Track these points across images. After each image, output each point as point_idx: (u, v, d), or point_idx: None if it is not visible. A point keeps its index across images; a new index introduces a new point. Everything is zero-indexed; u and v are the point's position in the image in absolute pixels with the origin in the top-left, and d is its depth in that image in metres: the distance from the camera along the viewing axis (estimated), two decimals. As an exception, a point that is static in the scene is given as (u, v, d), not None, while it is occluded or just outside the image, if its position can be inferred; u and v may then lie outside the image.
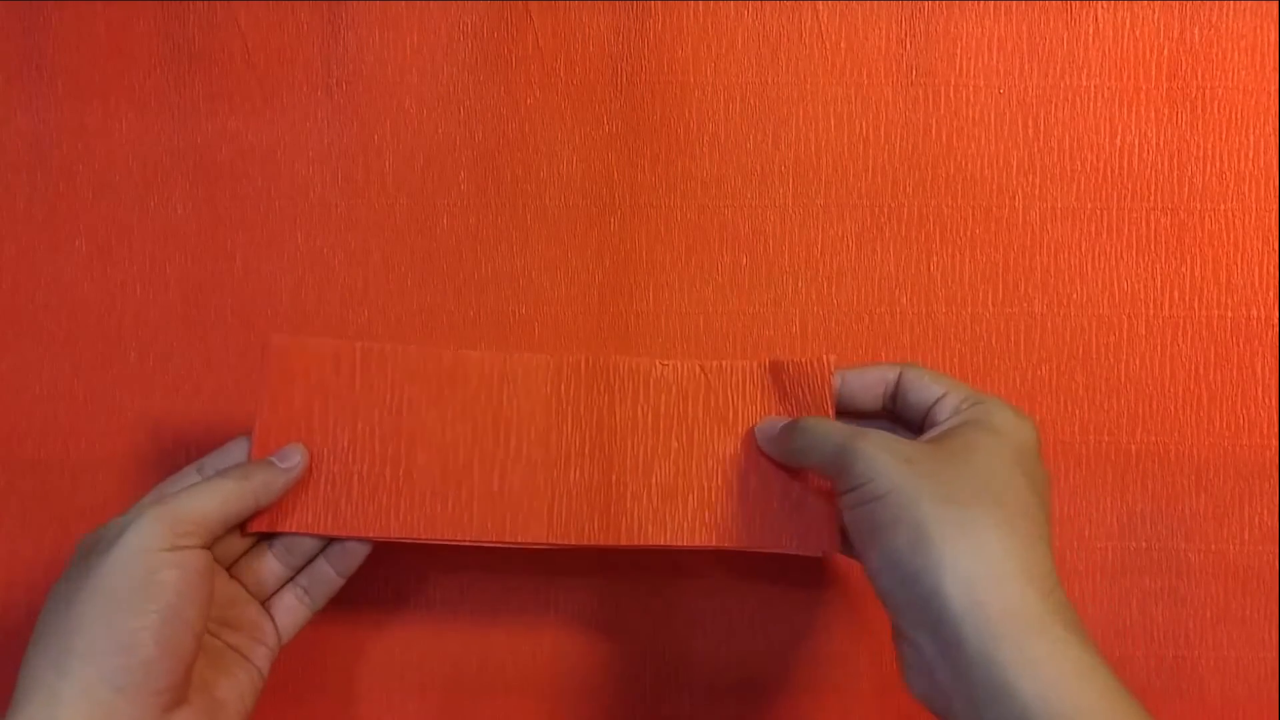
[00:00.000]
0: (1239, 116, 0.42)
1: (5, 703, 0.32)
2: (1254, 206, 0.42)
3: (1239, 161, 0.42)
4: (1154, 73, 0.43)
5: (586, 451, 0.38)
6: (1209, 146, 0.42)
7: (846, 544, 0.37)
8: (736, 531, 0.37)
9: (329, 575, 0.38)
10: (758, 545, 0.37)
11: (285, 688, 0.41)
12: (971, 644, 0.29)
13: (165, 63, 0.43)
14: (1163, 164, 0.43)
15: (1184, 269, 0.42)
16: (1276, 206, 0.42)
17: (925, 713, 0.31)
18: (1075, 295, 0.42)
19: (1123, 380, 0.42)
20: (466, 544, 0.37)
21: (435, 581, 0.42)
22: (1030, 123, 0.43)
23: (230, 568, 0.37)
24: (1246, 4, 0.43)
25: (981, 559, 0.30)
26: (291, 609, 0.37)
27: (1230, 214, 0.42)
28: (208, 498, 0.34)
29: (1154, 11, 0.43)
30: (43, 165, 0.43)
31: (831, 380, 0.37)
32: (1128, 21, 0.43)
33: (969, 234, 0.43)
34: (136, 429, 0.42)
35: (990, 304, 0.43)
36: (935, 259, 0.43)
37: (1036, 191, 0.43)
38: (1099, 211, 0.43)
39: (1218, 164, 0.42)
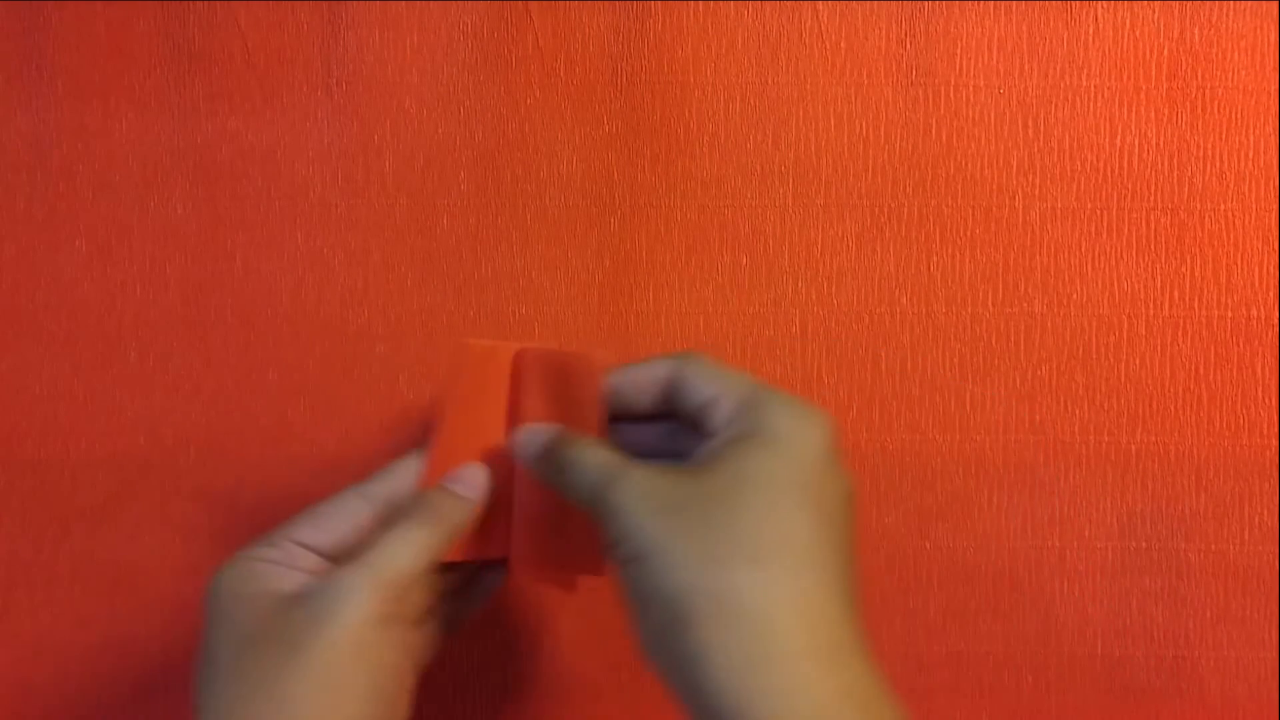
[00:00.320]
0: (1239, 116, 0.42)
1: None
2: (1254, 206, 0.42)
3: (1239, 161, 0.42)
4: (1154, 73, 0.43)
5: None
6: (1209, 146, 0.42)
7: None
8: (498, 541, 0.34)
9: (469, 603, 0.34)
10: (521, 560, 0.34)
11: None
12: None
13: (165, 63, 0.43)
14: (1163, 164, 0.43)
15: (1184, 269, 0.42)
16: (1276, 206, 0.42)
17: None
18: (1075, 295, 0.42)
19: (1123, 380, 0.42)
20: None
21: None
22: (1030, 123, 0.43)
23: None
24: (1246, 4, 0.43)
25: (751, 640, 0.26)
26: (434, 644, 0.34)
27: (1230, 214, 0.42)
28: (408, 553, 0.30)
29: (1154, 11, 0.43)
30: (43, 165, 0.43)
31: (601, 384, 0.34)
32: (1128, 21, 0.43)
33: (969, 234, 0.43)
34: (136, 429, 0.42)
35: (990, 304, 0.43)
36: (935, 259, 0.43)
37: (1036, 191, 0.43)
38: (1099, 211, 0.43)
39: (1218, 164, 0.42)
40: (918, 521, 0.42)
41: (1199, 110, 0.43)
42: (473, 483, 0.33)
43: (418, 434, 0.43)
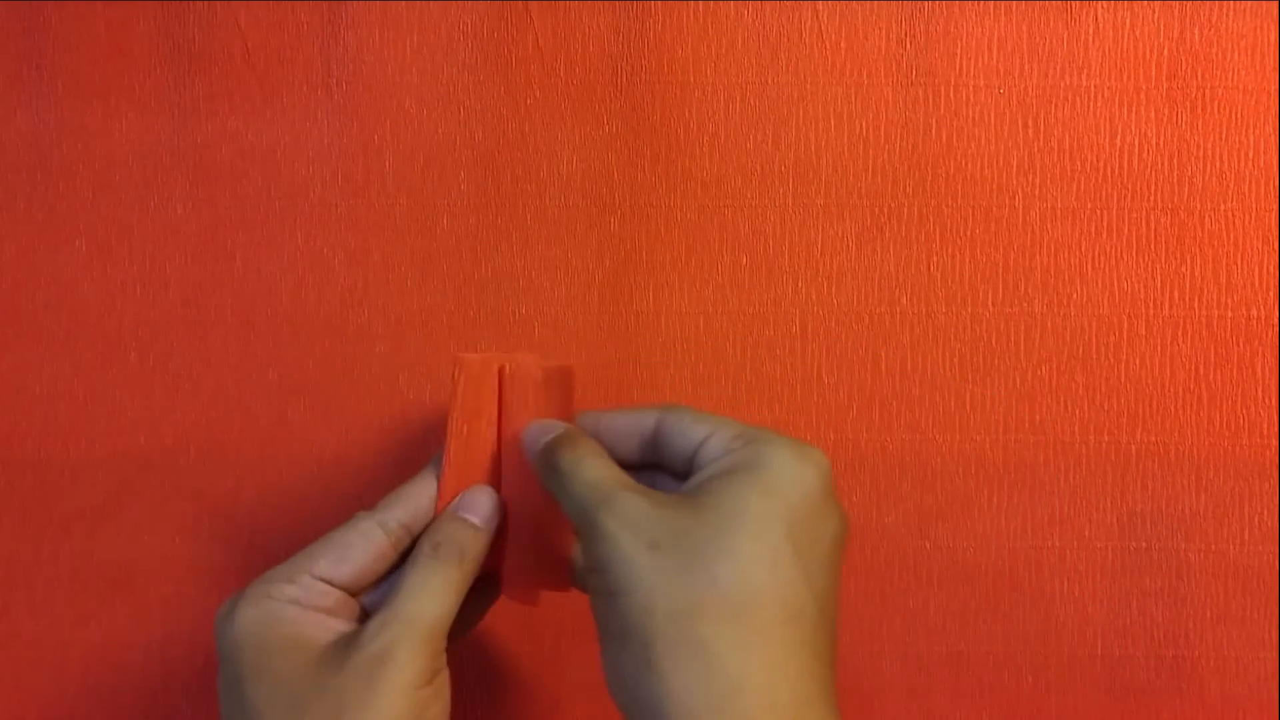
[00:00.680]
0: (1239, 116, 0.42)
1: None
2: (1254, 206, 0.42)
3: (1239, 161, 0.42)
4: (1154, 73, 0.43)
5: None
6: (1209, 146, 0.42)
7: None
8: (495, 554, 0.34)
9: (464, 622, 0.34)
10: (512, 576, 0.34)
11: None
12: None
13: (165, 63, 0.43)
14: (1163, 164, 0.43)
15: (1184, 269, 0.42)
16: (1276, 206, 0.42)
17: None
18: (1075, 295, 0.42)
19: (1123, 380, 0.42)
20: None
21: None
22: (1030, 123, 0.43)
23: None
24: (1246, 4, 0.43)
25: (720, 695, 0.26)
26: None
27: (1230, 214, 0.42)
28: (443, 599, 0.30)
29: (1154, 11, 0.43)
30: (43, 165, 0.43)
31: (573, 400, 0.34)
32: (1128, 21, 0.43)
33: (969, 234, 0.43)
34: (136, 429, 0.42)
35: (990, 304, 0.43)
36: (935, 259, 0.43)
37: (1036, 191, 0.43)
38: (1099, 211, 0.43)
39: (1218, 164, 0.42)
40: (918, 521, 0.42)
41: (1199, 110, 0.43)
42: (483, 512, 0.33)
43: (417, 434, 0.43)
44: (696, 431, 0.32)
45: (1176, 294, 0.42)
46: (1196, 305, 0.42)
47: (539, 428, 0.33)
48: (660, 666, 0.27)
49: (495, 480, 0.35)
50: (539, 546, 0.35)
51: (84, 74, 0.43)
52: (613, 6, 0.43)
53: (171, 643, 0.43)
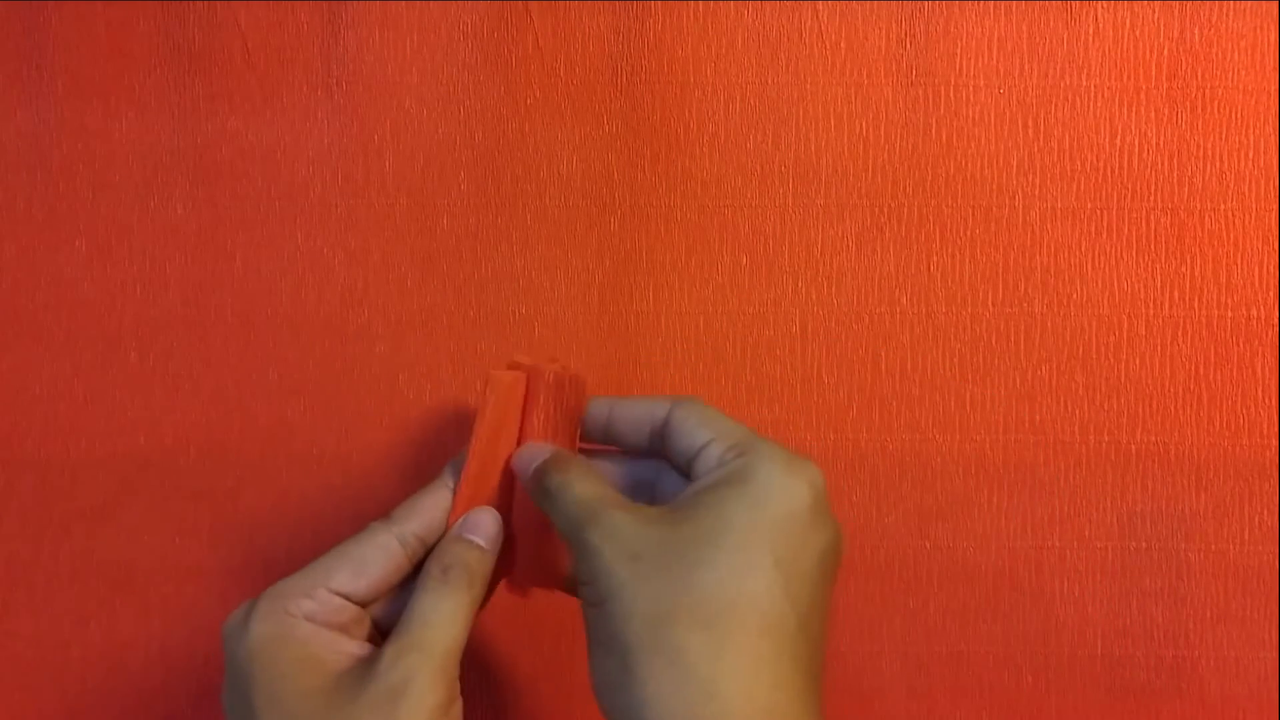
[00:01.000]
0: (1239, 116, 0.42)
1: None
2: (1254, 206, 0.42)
3: (1239, 161, 0.42)
4: (1154, 73, 0.43)
5: None
6: (1209, 146, 0.42)
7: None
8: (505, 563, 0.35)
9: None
10: (518, 578, 0.36)
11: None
12: None
13: (165, 63, 0.43)
14: (1163, 164, 0.43)
15: (1184, 269, 0.42)
16: (1276, 206, 0.42)
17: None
18: (1075, 295, 0.42)
19: (1123, 380, 0.42)
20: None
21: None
22: (1030, 123, 0.43)
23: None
24: (1246, 4, 0.43)
25: (695, 702, 0.27)
26: None
27: (1230, 214, 0.42)
28: (457, 625, 0.31)
29: (1154, 11, 0.43)
30: (43, 165, 0.43)
31: (583, 407, 0.35)
32: (1128, 21, 0.43)
33: (969, 234, 0.43)
34: (136, 429, 0.42)
35: (990, 304, 0.43)
36: (935, 259, 0.43)
37: (1036, 191, 0.43)
38: (1099, 211, 0.43)
39: (1218, 164, 0.42)
40: (918, 521, 0.42)
41: (1199, 110, 0.43)
42: (487, 533, 0.33)
43: (417, 434, 0.43)
44: (698, 436, 0.32)
45: (1176, 294, 0.42)
46: (1196, 305, 0.42)
47: (529, 452, 0.34)
48: (638, 672, 0.27)
49: (510, 487, 0.35)
50: (543, 553, 0.35)
51: (84, 74, 0.43)
52: (613, 6, 0.43)
53: (171, 643, 0.43)
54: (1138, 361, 0.42)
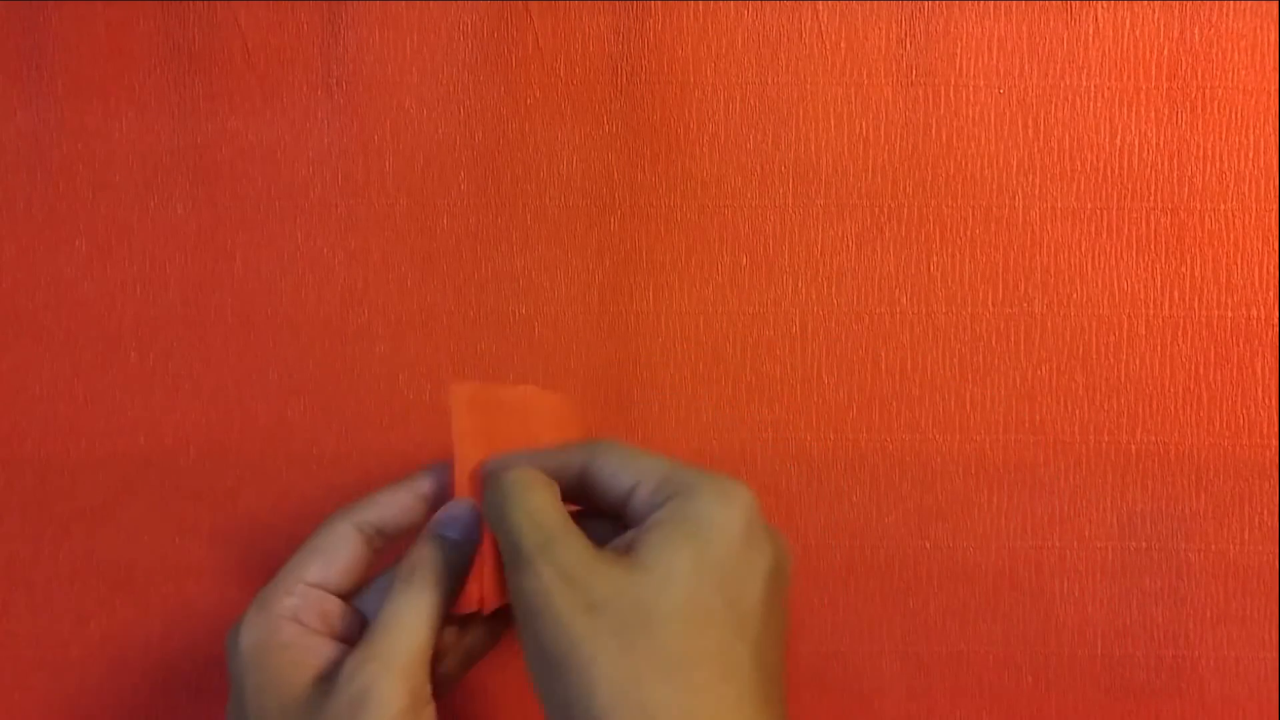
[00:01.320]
0: (1239, 116, 0.42)
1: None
2: (1254, 206, 0.42)
3: (1239, 161, 0.42)
4: (1154, 73, 0.43)
5: None
6: (1209, 146, 0.42)
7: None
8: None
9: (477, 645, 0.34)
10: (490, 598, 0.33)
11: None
12: None
13: (165, 63, 0.43)
14: (1163, 164, 0.43)
15: (1184, 269, 0.42)
16: (1276, 206, 0.42)
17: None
18: (1075, 295, 0.42)
19: (1123, 380, 0.42)
20: None
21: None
22: (1030, 123, 0.43)
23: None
24: (1246, 4, 0.43)
25: None
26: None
27: (1230, 214, 0.42)
28: (417, 630, 0.30)
29: (1154, 11, 0.43)
30: (43, 165, 0.43)
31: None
32: (1128, 21, 0.43)
33: (969, 234, 0.43)
34: (136, 429, 0.42)
35: (990, 304, 0.43)
36: (935, 259, 0.43)
37: (1036, 191, 0.43)
38: (1099, 211, 0.43)
39: (1218, 164, 0.42)
40: (918, 521, 0.42)
41: (1199, 110, 0.43)
42: (461, 523, 0.32)
43: (417, 434, 0.43)
44: (623, 480, 0.31)
45: (1176, 294, 0.42)
46: (1196, 305, 0.42)
47: (492, 462, 0.33)
48: None
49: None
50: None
51: (84, 74, 0.43)
52: (613, 6, 0.43)
53: (171, 643, 0.43)
54: (1138, 361, 0.42)
